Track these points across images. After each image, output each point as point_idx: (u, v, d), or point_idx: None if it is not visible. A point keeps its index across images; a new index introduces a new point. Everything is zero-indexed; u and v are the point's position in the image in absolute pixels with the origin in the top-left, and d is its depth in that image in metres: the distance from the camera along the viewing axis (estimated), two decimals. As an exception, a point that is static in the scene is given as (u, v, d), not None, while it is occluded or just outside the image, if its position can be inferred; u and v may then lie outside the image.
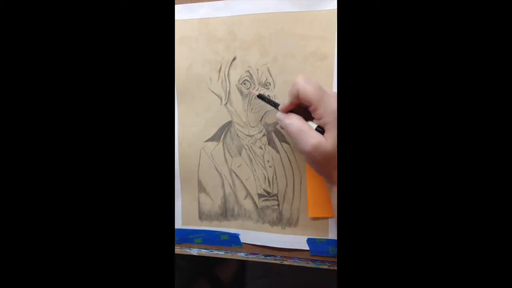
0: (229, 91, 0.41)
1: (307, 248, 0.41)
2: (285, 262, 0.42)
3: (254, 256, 0.43)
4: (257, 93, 0.38)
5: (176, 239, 0.45)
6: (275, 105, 0.37)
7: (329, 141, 0.31)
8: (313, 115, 0.33)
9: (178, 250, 0.46)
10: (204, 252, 0.45)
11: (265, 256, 0.43)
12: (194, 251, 0.45)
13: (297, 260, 0.42)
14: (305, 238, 0.41)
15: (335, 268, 0.40)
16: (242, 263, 0.64)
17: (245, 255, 0.44)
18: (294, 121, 0.33)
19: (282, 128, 0.35)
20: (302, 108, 0.35)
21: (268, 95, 0.39)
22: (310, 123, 0.33)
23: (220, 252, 0.45)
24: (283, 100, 0.39)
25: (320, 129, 0.32)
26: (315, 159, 0.32)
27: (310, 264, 0.42)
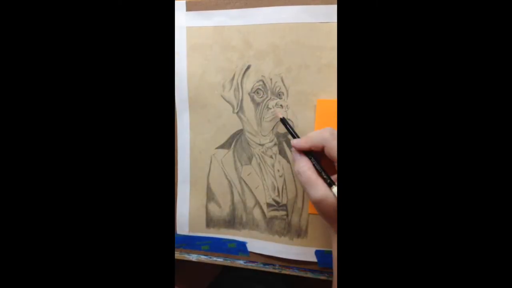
0: (241, 100, 0.41)
1: (315, 260, 0.41)
2: (283, 271, 0.42)
3: (254, 264, 0.43)
4: (281, 116, 0.38)
5: (183, 245, 0.45)
6: (293, 135, 0.37)
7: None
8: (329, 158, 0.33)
9: (177, 255, 0.46)
10: (203, 258, 0.45)
11: (263, 265, 0.43)
12: (193, 257, 0.45)
13: (295, 270, 0.42)
14: (313, 249, 0.41)
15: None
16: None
17: (244, 262, 0.44)
18: (304, 170, 0.34)
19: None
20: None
21: (285, 106, 0.39)
22: (322, 173, 0.33)
23: (219, 259, 0.45)
24: (296, 111, 0.39)
25: (331, 182, 0.33)
26: (321, 210, 0.33)
27: (309, 274, 0.41)
